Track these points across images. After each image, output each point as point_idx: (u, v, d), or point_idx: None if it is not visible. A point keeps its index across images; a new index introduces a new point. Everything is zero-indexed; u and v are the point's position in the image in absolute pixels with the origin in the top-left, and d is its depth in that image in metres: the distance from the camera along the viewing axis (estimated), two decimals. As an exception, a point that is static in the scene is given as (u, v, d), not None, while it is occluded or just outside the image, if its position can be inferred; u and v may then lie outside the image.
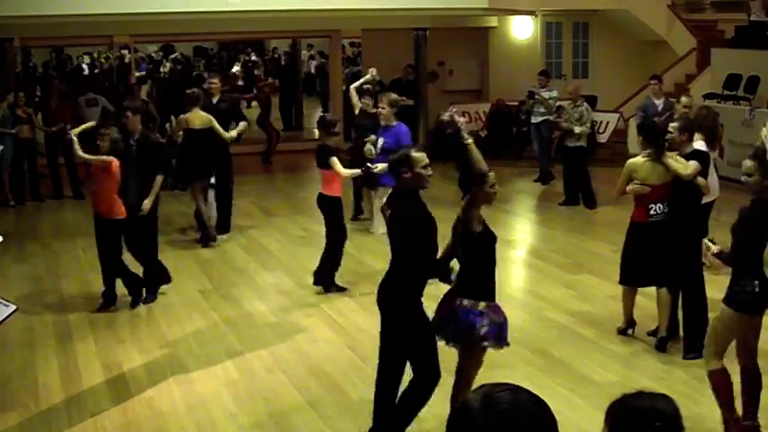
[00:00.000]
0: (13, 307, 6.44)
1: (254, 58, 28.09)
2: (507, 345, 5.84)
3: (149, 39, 22.84)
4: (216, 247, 11.13)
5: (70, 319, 8.66)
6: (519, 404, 2.01)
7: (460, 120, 6.12)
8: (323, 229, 11.98)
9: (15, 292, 9.12)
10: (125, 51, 20.39)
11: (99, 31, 17.13)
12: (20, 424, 6.46)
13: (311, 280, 9.64)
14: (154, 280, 9.10)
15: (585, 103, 13.24)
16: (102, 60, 22.31)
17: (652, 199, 7.27)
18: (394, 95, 9.99)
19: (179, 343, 7.98)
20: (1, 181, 13.82)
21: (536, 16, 18.84)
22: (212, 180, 12.47)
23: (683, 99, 10.34)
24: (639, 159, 7.39)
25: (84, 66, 24.71)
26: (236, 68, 23.70)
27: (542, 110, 14.55)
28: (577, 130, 12.86)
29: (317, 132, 20.09)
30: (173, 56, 25.68)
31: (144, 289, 9.04)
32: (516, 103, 17.37)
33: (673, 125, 7.64)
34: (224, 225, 11.56)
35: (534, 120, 14.85)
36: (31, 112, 13.99)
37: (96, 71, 22.25)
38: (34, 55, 23.46)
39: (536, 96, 14.64)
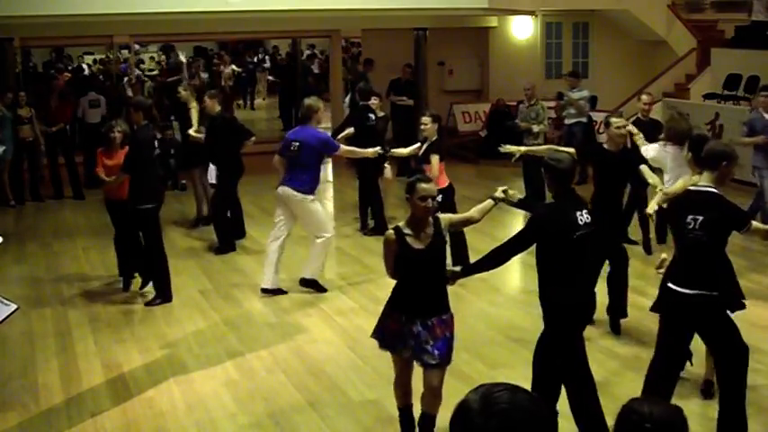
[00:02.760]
0: (14, 306, 6.44)
1: (263, 56, 27.94)
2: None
3: (149, 39, 22.83)
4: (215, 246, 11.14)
5: (70, 319, 8.66)
6: (517, 404, 2.02)
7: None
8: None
9: (15, 292, 9.12)
10: (125, 51, 20.41)
11: (99, 31, 17.13)
12: (20, 424, 6.46)
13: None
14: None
15: (542, 102, 13.36)
16: (106, 57, 22.32)
17: None
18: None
19: (179, 343, 7.98)
20: (1, 181, 13.82)
21: (536, 16, 18.84)
22: (213, 180, 12.49)
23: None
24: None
25: (85, 66, 24.71)
26: (227, 70, 23.62)
27: (573, 111, 14.52)
28: (536, 128, 12.98)
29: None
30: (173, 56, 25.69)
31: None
32: (515, 103, 17.39)
33: None
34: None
35: (567, 121, 14.80)
36: (32, 112, 13.98)
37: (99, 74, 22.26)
38: (34, 55, 23.44)
39: (565, 98, 14.63)
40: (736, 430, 5.69)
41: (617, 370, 7.17)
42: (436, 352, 5.46)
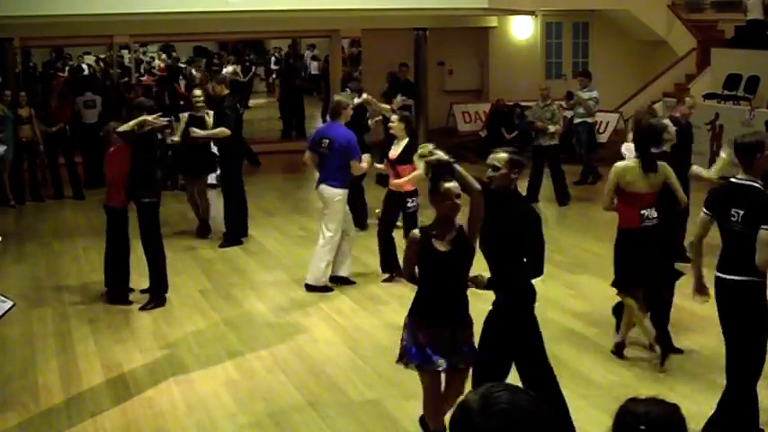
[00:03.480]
0: (11, 303, 6.43)
1: (278, 57, 27.57)
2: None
3: (149, 39, 22.83)
4: (216, 246, 11.15)
5: (70, 319, 8.65)
6: (517, 404, 2.02)
7: (440, 154, 5.47)
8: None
9: (15, 292, 9.11)
10: (125, 51, 20.42)
11: (99, 31, 17.14)
12: (20, 424, 6.46)
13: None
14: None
15: (556, 102, 13.46)
16: (106, 60, 22.31)
17: (644, 205, 6.96)
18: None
19: (179, 343, 7.98)
20: (1, 181, 13.82)
21: (536, 16, 18.86)
22: (213, 180, 12.51)
23: (688, 100, 10.48)
24: (629, 163, 7.09)
25: (84, 66, 24.70)
26: (228, 69, 23.58)
27: (581, 110, 14.55)
28: (552, 129, 13.07)
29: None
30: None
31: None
32: (511, 103, 17.42)
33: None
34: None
35: (575, 120, 14.88)
36: (32, 112, 13.98)
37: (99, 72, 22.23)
38: (34, 55, 23.43)
39: (575, 97, 14.65)
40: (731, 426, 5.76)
41: (617, 370, 7.17)
42: (465, 353, 5.47)
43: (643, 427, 2.54)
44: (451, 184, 5.33)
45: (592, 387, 6.78)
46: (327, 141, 9.05)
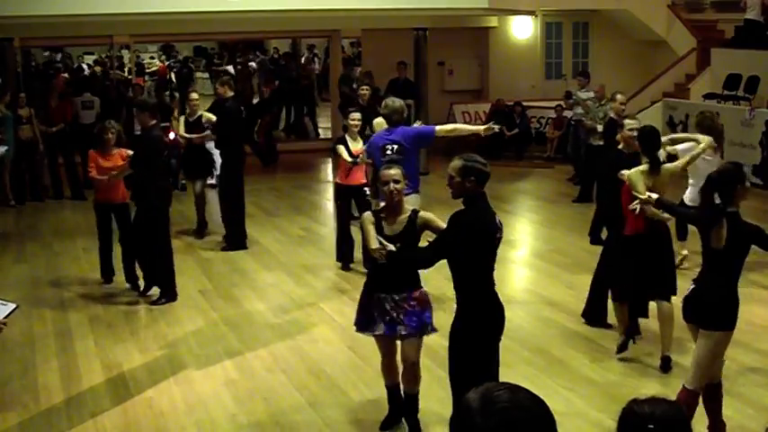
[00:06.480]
0: (13, 305, 6.41)
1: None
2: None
3: (149, 39, 22.83)
4: (216, 247, 11.15)
5: (70, 319, 8.66)
6: (518, 403, 2.02)
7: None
8: (323, 229, 12.06)
9: (15, 292, 9.12)
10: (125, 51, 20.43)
11: (99, 31, 17.12)
12: (20, 424, 6.46)
13: (311, 280, 9.68)
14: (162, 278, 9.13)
15: (610, 103, 13.20)
16: (106, 59, 22.30)
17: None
18: None
19: (179, 343, 7.99)
20: (2, 181, 13.81)
21: (536, 16, 18.85)
22: (213, 180, 12.49)
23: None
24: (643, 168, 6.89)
25: (85, 66, 24.70)
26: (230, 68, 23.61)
27: (581, 110, 14.52)
28: (600, 128, 12.90)
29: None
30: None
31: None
32: (511, 103, 17.40)
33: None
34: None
35: (574, 120, 14.87)
36: (32, 113, 13.97)
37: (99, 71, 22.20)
38: (34, 55, 23.42)
39: (573, 97, 14.62)
40: None
41: (617, 370, 7.17)
42: (407, 323, 5.80)
43: (651, 426, 2.53)
44: (390, 171, 5.76)
45: (591, 387, 6.78)
46: (395, 146, 8.31)
